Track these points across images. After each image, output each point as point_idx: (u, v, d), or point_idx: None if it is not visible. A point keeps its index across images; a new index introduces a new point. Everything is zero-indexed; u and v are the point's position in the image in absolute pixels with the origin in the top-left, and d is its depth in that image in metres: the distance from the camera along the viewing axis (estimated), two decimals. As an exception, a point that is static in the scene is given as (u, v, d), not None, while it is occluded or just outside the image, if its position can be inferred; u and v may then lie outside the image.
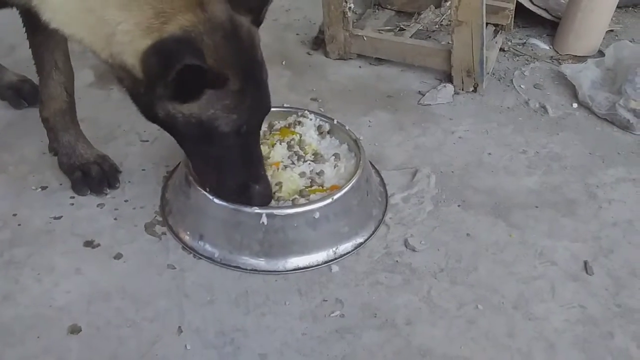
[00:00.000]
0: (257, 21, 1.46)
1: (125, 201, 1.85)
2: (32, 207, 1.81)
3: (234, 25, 1.37)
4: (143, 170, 1.98)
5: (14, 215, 1.79)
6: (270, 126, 1.96)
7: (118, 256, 1.67)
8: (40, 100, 1.86)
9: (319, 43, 2.72)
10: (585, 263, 1.69)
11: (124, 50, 1.32)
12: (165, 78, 1.28)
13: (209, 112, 1.39)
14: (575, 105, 2.38)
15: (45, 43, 1.76)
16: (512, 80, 2.53)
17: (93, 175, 1.87)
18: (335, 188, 1.72)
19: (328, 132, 1.95)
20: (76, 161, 1.89)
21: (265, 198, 1.60)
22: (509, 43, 2.78)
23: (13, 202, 1.83)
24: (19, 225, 1.76)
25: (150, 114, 1.45)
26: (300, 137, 1.92)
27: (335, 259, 1.68)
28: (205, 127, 1.41)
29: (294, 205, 1.67)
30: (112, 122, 2.05)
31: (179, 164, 1.88)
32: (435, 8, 2.86)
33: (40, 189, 1.88)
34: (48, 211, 1.78)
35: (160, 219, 1.79)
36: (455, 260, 1.69)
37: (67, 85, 1.83)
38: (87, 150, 1.91)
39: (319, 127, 1.95)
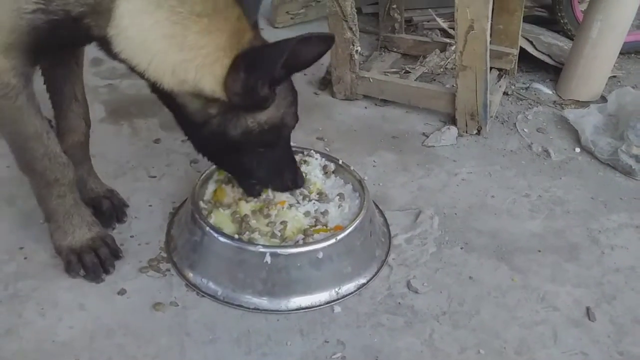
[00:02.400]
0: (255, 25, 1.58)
1: (131, 237, 1.87)
2: (39, 241, 1.83)
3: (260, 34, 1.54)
4: (150, 206, 2.00)
5: (21, 248, 1.81)
6: (277, 164, 1.99)
7: (122, 292, 1.68)
8: (58, 134, 1.84)
9: (326, 83, 2.77)
10: (588, 309, 1.69)
11: (204, 73, 1.42)
12: (262, 83, 1.42)
13: (280, 112, 1.56)
14: (577, 149, 2.41)
15: (66, 76, 1.80)
16: (515, 123, 2.57)
17: (104, 210, 1.90)
18: (339, 228, 1.74)
19: (333, 172, 1.98)
20: (87, 195, 1.91)
21: (302, 180, 1.78)
22: (513, 87, 2.82)
23: (20, 236, 1.85)
24: (25, 258, 1.78)
25: (217, 138, 1.55)
26: (306, 176, 1.94)
27: (338, 299, 1.69)
28: (277, 128, 1.57)
29: (298, 244, 1.68)
30: (121, 158, 2.08)
31: (186, 200, 1.91)
32: (440, 52, 2.92)
33: (47, 223, 1.90)
34: (54, 245, 1.80)
35: (165, 255, 1.81)
36: (458, 304, 1.70)
37: (85, 117, 1.86)
38: (97, 185, 1.95)
39: (324, 167, 1.97)
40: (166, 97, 1.52)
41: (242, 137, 1.54)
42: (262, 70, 1.40)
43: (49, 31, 1.40)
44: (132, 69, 1.47)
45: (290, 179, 1.74)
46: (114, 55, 1.46)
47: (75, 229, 1.73)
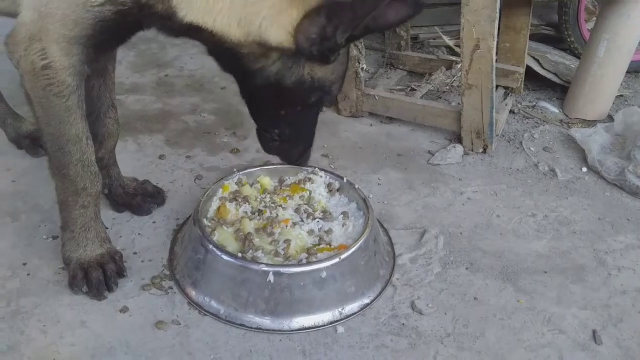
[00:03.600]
0: None
1: (135, 254, 1.87)
2: (42, 257, 1.83)
3: None
4: (154, 222, 2.00)
5: (24, 264, 1.81)
6: (281, 182, 1.99)
7: (124, 310, 1.67)
8: (96, 141, 1.86)
9: (331, 101, 2.77)
10: (594, 332, 1.67)
11: (270, 24, 1.45)
12: (335, 36, 1.42)
13: (334, 75, 1.60)
14: (584, 169, 2.39)
15: (102, 85, 1.86)
16: (521, 142, 2.56)
17: (151, 192, 2.05)
18: (343, 247, 1.73)
19: (338, 190, 1.97)
20: (129, 190, 2.02)
21: (306, 160, 1.86)
22: (519, 106, 2.82)
23: (24, 252, 1.85)
24: (28, 275, 1.77)
25: (266, 84, 1.57)
26: (310, 194, 1.94)
27: (341, 319, 1.67)
28: (324, 90, 1.60)
29: (301, 264, 1.67)
30: (126, 174, 2.07)
31: (189, 217, 1.90)
32: (447, 70, 2.92)
33: (51, 239, 1.90)
34: (58, 262, 1.79)
35: (168, 273, 1.80)
36: (463, 325, 1.68)
37: (118, 120, 1.94)
38: (127, 179, 2.05)
39: (329, 185, 1.97)
40: (227, 52, 1.53)
41: (294, 86, 1.57)
42: (346, 19, 1.39)
43: (114, 22, 1.44)
44: (197, 32, 1.49)
45: (301, 152, 1.81)
46: (177, 26, 1.48)
47: (89, 243, 1.74)
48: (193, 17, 1.46)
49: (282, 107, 1.67)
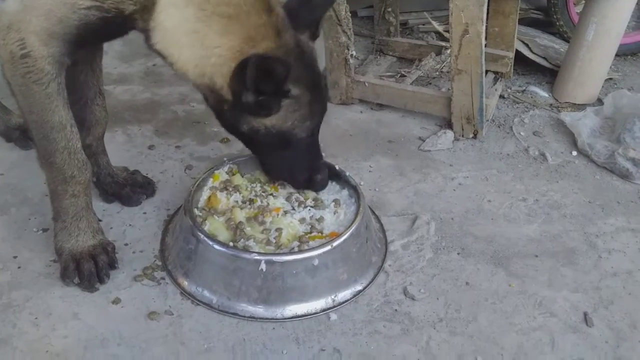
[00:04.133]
0: (315, 36, 1.66)
1: (125, 245, 1.86)
2: (33, 250, 1.82)
3: (300, 47, 1.57)
4: (144, 213, 1.99)
5: (15, 257, 1.80)
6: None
7: (116, 301, 1.66)
8: (83, 128, 1.87)
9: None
10: (585, 314, 1.68)
11: (215, 71, 1.51)
12: (247, 92, 1.49)
13: (288, 123, 1.61)
14: (574, 153, 2.40)
15: (89, 71, 1.86)
16: (511, 127, 2.56)
17: (141, 183, 2.05)
18: (335, 235, 1.73)
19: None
20: (118, 180, 2.01)
21: (324, 182, 1.85)
22: (509, 90, 2.81)
23: (14, 244, 1.84)
24: (19, 267, 1.76)
25: (233, 128, 1.67)
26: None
27: (334, 306, 1.67)
28: (285, 136, 1.63)
29: (293, 252, 1.67)
30: (116, 164, 2.06)
31: (180, 207, 1.90)
32: (436, 55, 2.91)
33: (41, 231, 1.89)
34: (48, 254, 1.78)
35: (159, 263, 1.79)
36: (455, 310, 1.68)
37: (106, 107, 1.94)
38: (117, 169, 2.05)
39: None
40: (195, 86, 1.61)
41: (251, 133, 1.63)
42: (244, 79, 1.46)
43: (97, 26, 1.49)
44: (166, 60, 1.56)
45: (304, 180, 1.82)
46: (151, 46, 1.55)
47: (80, 233, 1.73)
48: (162, 46, 1.53)
49: (258, 146, 1.72)
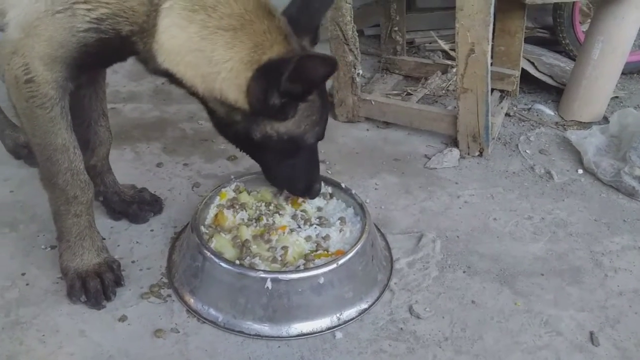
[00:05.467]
0: (314, 41, 1.68)
1: (133, 262, 1.87)
2: (41, 267, 1.84)
3: (305, 52, 1.58)
4: (151, 230, 2.01)
5: (23, 274, 1.81)
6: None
7: (123, 318, 1.67)
8: (88, 149, 1.91)
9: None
10: (591, 334, 1.68)
11: (228, 85, 1.52)
12: (272, 95, 1.50)
13: (301, 128, 1.65)
14: (580, 171, 2.40)
15: (93, 94, 1.89)
16: (517, 145, 2.57)
17: (148, 200, 2.07)
18: (340, 253, 1.73)
19: (333, 195, 1.98)
20: (125, 197, 2.04)
21: (317, 193, 1.89)
22: (515, 108, 2.83)
23: (22, 261, 1.86)
24: (27, 284, 1.78)
25: (243, 138, 1.68)
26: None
27: (339, 325, 1.68)
28: (296, 141, 1.67)
29: (299, 270, 1.67)
30: (124, 182, 2.08)
31: (187, 225, 1.91)
32: (442, 74, 2.93)
33: (49, 248, 1.91)
34: (56, 271, 1.79)
35: (166, 280, 1.80)
36: (461, 329, 1.68)
37: (109, 128, 1.97)
38: (125, 186, 2.07)
39: (322, 195, 1.96)
40: (202, 102, 1.64)
41: (262, 141, 1.65)
42: (271, 79, 1.47)
43: (97, 48, 1.51)
44: (172, 78, 1.58)
45: (304, 188, 1.85)
46: (156, 67, 1.56)
47: (85, 252, 1.74)
48: (168, 65, 1.54)
49: (266, 156, 1.76)
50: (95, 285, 1.71)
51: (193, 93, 1.60)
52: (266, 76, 1.47)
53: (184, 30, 1.48)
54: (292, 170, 1.79)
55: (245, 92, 1.51)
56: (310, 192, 1.87)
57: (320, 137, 1.74)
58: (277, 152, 1.71)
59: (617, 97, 2.92)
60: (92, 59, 1.56)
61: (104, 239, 1.88)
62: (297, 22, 1.59)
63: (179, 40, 1.49)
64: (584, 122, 2.72)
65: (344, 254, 1.71)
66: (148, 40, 1.51)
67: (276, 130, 1.63)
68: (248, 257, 1.72)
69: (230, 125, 1.65)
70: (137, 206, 2.03)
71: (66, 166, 1.63)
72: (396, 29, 3.01)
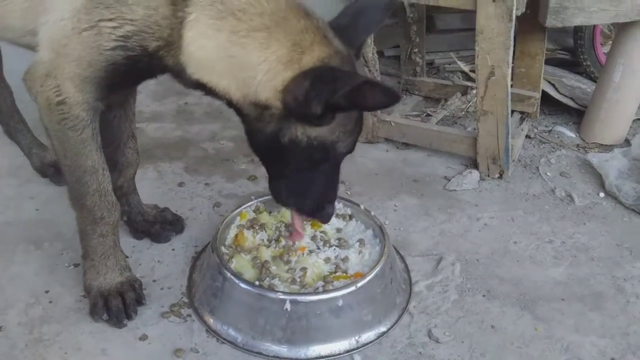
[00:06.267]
0: (357, 56, 1.62)
1: (154, 281, 1.90)
2: (64, 285, 1.87)
3: (351, 57, 1.53)
4: (173, 250, 2.03)
5: (46, 292, 1.84)
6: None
7: (143, 337, 1.69)
8: (115, 170, 1.94)
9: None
10: (613, 361, 1.66)
11: (264, 87, 1.45)
12: (316, 103, 1.39)
13: (334, 135, 1.53)
14: (602, 194, 2.38)
15: (123, 115, 1.93)
16: (538, 167, 2.56)
17: (170, 220, 2.09)
18: (359, 275, 1.74)
19: (352, 217, 1.98)
20: (148, 217, 2.06)
21: (329, 217, 1.75)
22: (535, 130, 2.82)
23: (46, 279, 1.89)
24: (50, 302, 1.81)
25: (269, 140, 1.55)
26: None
27: (358, 348, 1.68)
28: (326, 149, 1.55)
29: (318, 292, 1.68)
30: (146, 201, 2.11)
31: (208, 244, 1.93)
32: (462, 95, 2.94)
33: (73, 266, 1.94)
34: (79, 289, 1.82)
35: (186, 300, 1.82)
36: (480, 354, 1.67)
37: (138, 149, 2.00)
38: (148, 206, 2.10)
39: (342, 215, 1.97)
40: (237, 109, 1.57)
41: (290, 145, 1.54)
42: (324, 89, 1.39)
43: (125, 66, 1.51)
44: (206, 89, 1.55)
45: (315, 207, 1.70)
46: (187, 80, 1.54)
47: (108, 271, 1.77)
48: (199, 75, 1.51)
49: (287, 164, 1.62)
50: (117, 304, 1.73)
51: (228, 102, 1.55)
52: (314, 83, 1.39)
53: (211, 39, 1.46)
54: (308, 184, 1.68)
55: (281, 91, 1.44)
56: (321, 213, 1.72)
57: (351, 149, 1.63)
58: (300, 160, 1.58)
59: (639, 119, 2.89)
60: (121, 78, 1.57)
61: (127, 257, 1.91)
62: (342, 35, 1.52)
63: (207, 50, 1.47)
64: (606, 145, 2.70)
65: (362, 276, 1.72)
66: (176, 53, 1.50)
67: (307, 134, 1.51)
68: (267, 278, 1.73)
69: (261, 129, 1.55)
70: (159, 226, 2.06)
71: (95, 187, 1.66)
72: (416, 50, 3.03)
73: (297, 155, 1.56)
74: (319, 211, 1.71)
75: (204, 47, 1.46)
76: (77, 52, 1.50)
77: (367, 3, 1.61)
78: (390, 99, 1.39)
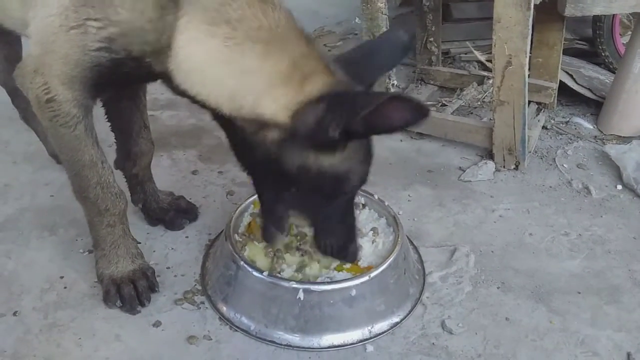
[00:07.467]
0: None
1: (167, 268, 1.90)
2: (79, 271, 1.88)
3: (354, 88, 1.40)
4: (186, 237, 2.04)
5: (61, 277, 1.86)
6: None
7: (157, 324, 1.70)
8: (129, 159, 1.98)
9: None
10: (629, 355, 1.64)
11: (262, 99, 1.36)
12: (332, 127, 1.29)
13: (347, 164, 1.43)
14: (619, 187, 2.35)
15: (133, 107, 1.91)
16: (554, 159, 2.53)
17: (184, 208, 2.10)
18: (371, 268, 1.73)
19: (366, 206, 1.97)
20: (163, 205, 2.07)
21: (355, 256, 1.66)
22: (552, 121, 2.78)
23: (61, 265, 1.90)
24: (65, 287, 1.82)
25: (270, 165, 1.44)
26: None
27: (371, 338, 1.67)
28: (339, 180, 1.45)
29: (331, 281, 1.68)
30: (161, 188, 2.11)
31: (221, 232, 1.93)
32: (478, 85, 2.91)
33: (87, 252, 1.95)
34: (93, 275, 1.82)
35: (199, 287, 1.83)
36: (494, 346, 1.66)
37: (151, 140, 2.00)
38: (163, 194, 2.10)
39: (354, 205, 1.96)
40: (226, 122, 1.48)
41: (297, 172, 1.42)
42: (343, 112, 1.28)
43: (110, 68, 1.46)
44: (194, 100, 1.46)
45: (338, 247, 1.60)
46: (176, 89, 1.47)
47: (120, 259, 1.77)
48: (187, 86, 1.43)
49: (291, 189, 1.50)
50: (129, 292, 1.74)
51: (217, 115, 1.45)
52: (332, 106, 1.29)
53: (203, 44, 1.37)
54: (324, 223, 1.57)
55: (290, 110, 1.34)
56: (345, 253, 1.62)
57: (365, 179, 1.52)
58: (311, 191, 1.47)
59: (658, 111, 2.85)
60: (108, 80, 1.50)
61: (139, 243, 1.91)
62: (349, 69, 1.42)
63: (198, 56, 1.38)
64: (624, 137, 2.66)
65: (376, 266, 1.71)
66: (163, 60, 1.41)
67: (319, 162, 1.39)
68: (280, 266, 1.73)
69: (258, 147, 1.43)
70: (173, 213, 2.07)
71: (96, 180, 1.64)
72: (432, 39, 3.00)
73: (306, 185, 1.45)
74: (341, 251, 1.62)
75: (195, 53, 1.38)
76: (64, 50, 1.44)
77: (384, 41, 1.56)
78: (419, 114, 1.24)
